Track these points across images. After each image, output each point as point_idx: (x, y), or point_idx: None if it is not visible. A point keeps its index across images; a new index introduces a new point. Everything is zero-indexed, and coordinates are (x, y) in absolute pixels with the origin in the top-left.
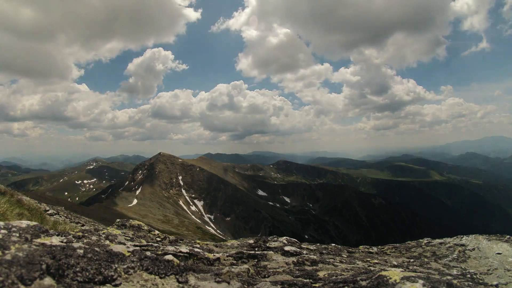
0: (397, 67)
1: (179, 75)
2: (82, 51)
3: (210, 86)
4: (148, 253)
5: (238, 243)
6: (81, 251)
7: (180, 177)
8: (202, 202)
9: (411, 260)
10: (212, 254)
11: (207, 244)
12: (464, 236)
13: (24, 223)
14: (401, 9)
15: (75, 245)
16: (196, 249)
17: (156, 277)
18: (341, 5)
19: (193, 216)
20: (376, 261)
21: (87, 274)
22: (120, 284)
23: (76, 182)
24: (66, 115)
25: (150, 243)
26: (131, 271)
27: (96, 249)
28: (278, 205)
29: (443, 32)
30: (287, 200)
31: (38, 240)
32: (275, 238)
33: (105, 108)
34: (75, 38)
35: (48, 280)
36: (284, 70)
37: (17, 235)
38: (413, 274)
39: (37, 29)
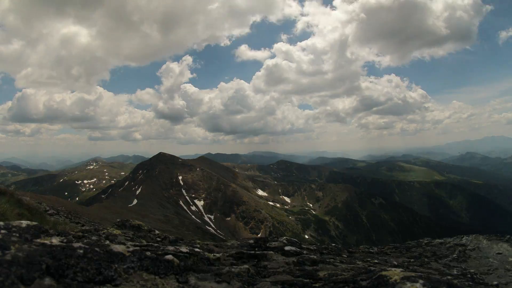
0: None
1: (199, 77)
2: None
3: (220, 86)
4: (148, 253)
5: (238, 243)
6: (81, 251)
7: (180, 177)
8: (202, 202)
9: (411, 260)
10: (212, 254)
11: (207, 244)
12: (464, 236)
13: (24, 223)
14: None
15: (75, 245)
16: (196, 249)
17: (156, 277)
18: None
19: (193, 216)
20: (376, 261)
21: (87, 274)
22: (120, 284)
23: (76, 182)
24: (84, 116)
25: (150, 243)
26: (131, 271)
27: (96, 249)
28: (278, 205)
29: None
30: (287, 200)
31: (38, 240)
32: (275, 238)
33: (130, 109)
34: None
35: (48, 280)
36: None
37: (17, 235)
38: (413, 274)
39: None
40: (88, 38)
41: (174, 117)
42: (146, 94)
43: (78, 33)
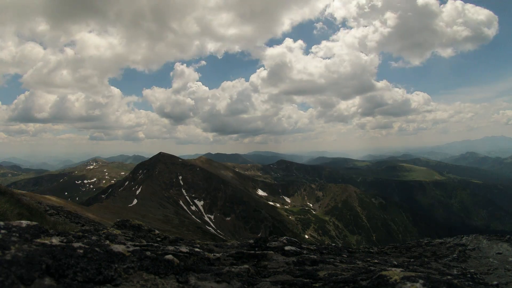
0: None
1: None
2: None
3: (220, 86)
4: (148, 253)
5: (238, 243)
6: (81, 251)
7: (180, 177)
8: (202, 202)
9: (411, 260)
10: (212, 254)
11: (207, 244)
12: (464, 236)
13: (24, 223)
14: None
15: (75, 245)
16: (196, 249)
17: (156, 277)
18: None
19: (193, 216)
20: (376, 261)
21: (87, 274)
22: (120, 284)
23: (76, 182)
24: (90, 117)
25: (150, 243)
26: (131, 271)
27: (96, 249)
28: (278, 205)
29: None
30: (287, 200)
31: (38, 240)
32: (275, 238)
33: (136, 110)
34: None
35: (48, 280)
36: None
37: (17, 235)
38: (413, 274)
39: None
40: (102, 44)
41: (178, 117)
42: (152, 94)
43: (93, 40)
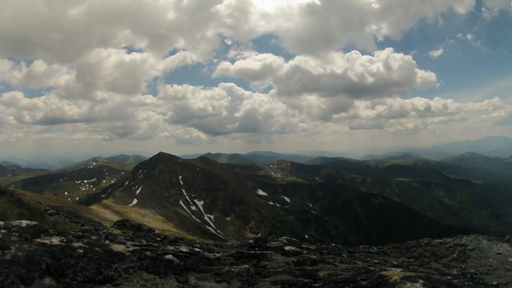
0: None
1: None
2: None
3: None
4: (148, 253)
5: (238, 243)
6: (81, 250)
7: (180, 177)
8: (202, 202)
9: (411, 260)
10: (212, 254)
11: (207, 244)
12: (464, 236)
13: (24, 223)
14: None
15: (75, 245)
16: (196, 249)
17: (156, 276)
18: None
19: (193, 216)
20: (376, 261)
21: (87, 273)
22: (120, 283)
23: (76, 182)
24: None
25: (150, 243)
26: (131, 270)
27: (96, 248)
28: (278, 205)
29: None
30: (287, 200)
31: (38, 240)
32: (275, 238)
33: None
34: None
35: (48, 280)
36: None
37: (17, 235)
38: (413, 274)
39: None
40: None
41: (186, 118)
42: (163, 92)
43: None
